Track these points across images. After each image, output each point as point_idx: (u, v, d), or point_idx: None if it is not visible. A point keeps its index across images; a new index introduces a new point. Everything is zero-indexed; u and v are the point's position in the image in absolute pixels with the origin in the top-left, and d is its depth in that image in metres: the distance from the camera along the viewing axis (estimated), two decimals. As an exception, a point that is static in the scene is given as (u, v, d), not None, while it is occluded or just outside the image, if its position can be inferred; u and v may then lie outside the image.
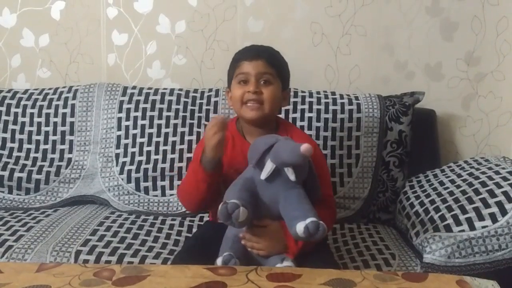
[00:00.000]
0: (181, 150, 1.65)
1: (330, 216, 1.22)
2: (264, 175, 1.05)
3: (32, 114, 1.75)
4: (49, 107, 1.75)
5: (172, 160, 1.65)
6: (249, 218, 1.02)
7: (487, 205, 1.27)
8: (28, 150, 1.73)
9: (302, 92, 1.72)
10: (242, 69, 1.23)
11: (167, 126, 1.68)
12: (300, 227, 0.98)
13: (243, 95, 1.21)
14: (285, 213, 1.05)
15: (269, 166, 1.05)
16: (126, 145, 1.69)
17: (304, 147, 0.99)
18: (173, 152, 1.66)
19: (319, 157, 1.27)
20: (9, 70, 1.96)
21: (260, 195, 1.08)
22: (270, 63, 1.23)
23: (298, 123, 1.65)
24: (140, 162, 1.66)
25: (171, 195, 1.64)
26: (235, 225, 1.02)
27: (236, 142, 1.26)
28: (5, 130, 1.74)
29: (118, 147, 1.70)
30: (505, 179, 1.33)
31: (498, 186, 1.31)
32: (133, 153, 1.68)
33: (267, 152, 1.06)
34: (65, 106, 1.75)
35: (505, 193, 1.27)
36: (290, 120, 1.65)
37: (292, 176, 1.04)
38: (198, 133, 1.67)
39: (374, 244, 1.42)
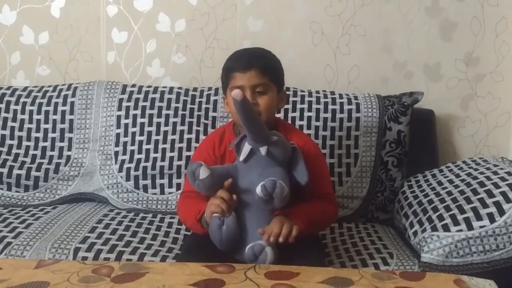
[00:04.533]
0: (180, 149, 1.66)
1: (331, 210, 1.25)
2: (242, 156, 1.13)
3: (31, 112, 1.75)
4: (48, 104, 1.75)
5: (171, 158, 1.65)
6: (212, 181, 1.10)
7: (485, 205, 1.27)
8: (27, 147, 1.73)
9: (302, 91, 1.72)
10: (235, 82, 1.22)
11: (166, 124, 1.68)
12: (258, 188, 1.04)
13: None
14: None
15: (245, 148, 1.13)
16: (125, 143, 1.69)
17: (233, 92, 1.05)
18: (172, 150, 1.66)
19: (317, 156, 1.27)
20: (9, 67, 1.95)
21: (240, 180, 1.14)
22: (263, 72, 1.22)
23: (297, 123, 1.66)
24: (139, 160, 1.66)
25: (170, 193, 1.64)
26: (200, 187, 1.10)
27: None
28: (4, 127, 1.74)
29: (117, 145, 1.70)
30: (503, 179, 1.33)
31: (496, 186, 1.31)
32: (132, 151, 1.68)
33: (245, 137, 1.14)
34: (64, 104, 1.75)
35: (503, 193, 1.27)
36: (289, 120, 1.65)
37: (263, 151, 1.10)
38: (197, 132, 1.67)
39: (372, 243, 1.42)
